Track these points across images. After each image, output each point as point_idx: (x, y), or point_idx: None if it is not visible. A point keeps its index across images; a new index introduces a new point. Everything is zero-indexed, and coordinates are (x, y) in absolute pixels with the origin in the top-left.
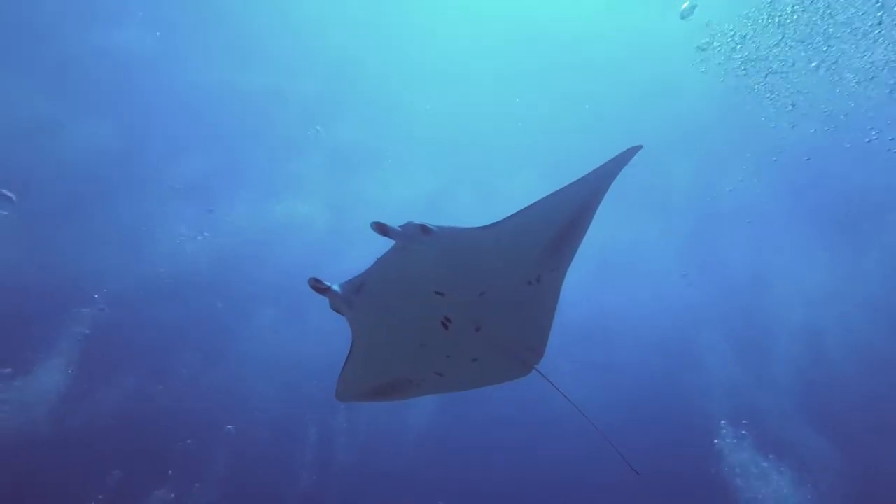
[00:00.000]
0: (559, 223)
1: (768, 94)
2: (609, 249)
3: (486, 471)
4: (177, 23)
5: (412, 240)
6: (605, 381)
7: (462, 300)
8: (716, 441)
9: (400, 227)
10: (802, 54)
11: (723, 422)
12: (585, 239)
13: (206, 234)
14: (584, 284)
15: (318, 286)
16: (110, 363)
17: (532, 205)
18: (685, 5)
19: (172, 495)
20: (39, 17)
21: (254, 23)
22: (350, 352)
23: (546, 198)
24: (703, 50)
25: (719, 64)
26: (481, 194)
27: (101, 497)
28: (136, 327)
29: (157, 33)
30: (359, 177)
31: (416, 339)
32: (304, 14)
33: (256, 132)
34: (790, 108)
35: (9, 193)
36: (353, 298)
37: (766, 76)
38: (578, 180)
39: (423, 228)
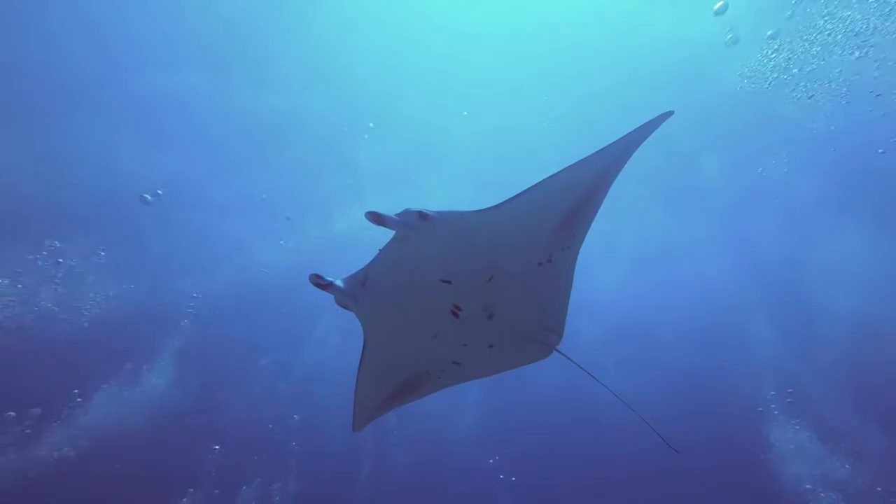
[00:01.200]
0: (571, 200)
1: (805, 83)
2: (646, 243)
3: (542, 463)
4: (229, 59)
5: (411, 228)
6: (651, 377)
7: (470, 287)
8: (765, 428)
9: (397, 215)
10: (840, 37)
11: (774, 410)
12: (621, 235)
13: (282, 242)
14: (623, 281)
15: (319, 282)
16: (202, 373)
17: (541, 182)
18: (718, 4)
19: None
20: (105, 65)
21: (310, 52)
22: (363, 350)
23: (557, 174)
24: (735, 43)
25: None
26: None
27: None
28: (222, 337)
29: (210, 70)
30: (407, 190)
31: (427, 330)
32: (349, 42)
33: (315, 150)
34: (830, 94)
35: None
36: (358, 293)
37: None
38: (596, 152)
39: (421, 215)
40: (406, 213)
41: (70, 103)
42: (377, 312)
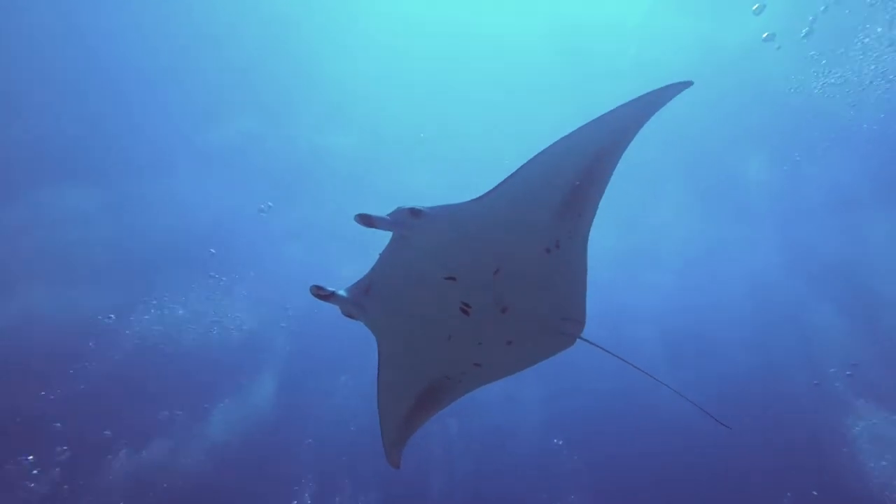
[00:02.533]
0: (570, 178)
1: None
2: (691, 245)
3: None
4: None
5: (405, 227)
6: (712, 377)
7: (476, 282)
8: (835, 419)
9: (389, 215)
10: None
11: (844, 402)
12: (664, 243)
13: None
14: (670, 284)
15: (319, 293)
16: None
17: (531, 160)
18: (756, 6)
19: None
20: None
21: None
22: (379, 362)
23: (549, 148)
24: (772, 39)
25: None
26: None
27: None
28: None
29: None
30: None
31: (440, 331)
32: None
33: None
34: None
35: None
36: (363, 301)
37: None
38: (592, 121)
39: (413, 212)
40: (397, 212)
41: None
42: (385, 319)
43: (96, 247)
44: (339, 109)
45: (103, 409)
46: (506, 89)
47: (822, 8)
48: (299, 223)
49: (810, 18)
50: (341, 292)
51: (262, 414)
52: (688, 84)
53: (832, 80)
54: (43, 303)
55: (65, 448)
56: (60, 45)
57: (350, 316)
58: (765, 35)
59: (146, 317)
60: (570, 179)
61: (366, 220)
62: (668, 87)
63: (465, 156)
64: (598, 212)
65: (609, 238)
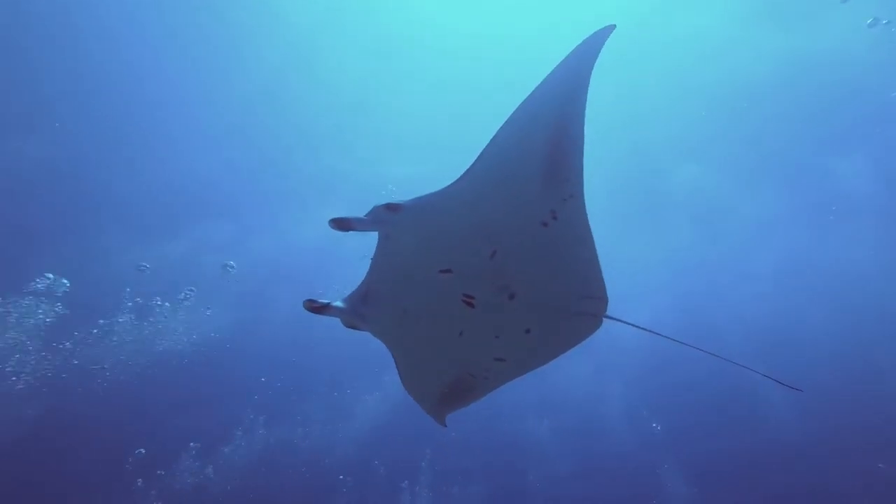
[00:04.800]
0: (542, 139)
1: None
2: (782, 253)
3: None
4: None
5: (385, 224)
6: (811, 380)
7: (473, 270)
8: None
9: (366, 214)
10: None
11: None
12: (756, 249)
13: None
14: (763, 292)
15: (313, 306)
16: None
17: (500, 131)
18: (870, 20)
19: None
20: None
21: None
22: (397, 368)
23: (513, 115)
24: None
25: None
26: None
27: None
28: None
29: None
30: None
31: (449, 329)
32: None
33: None
34: None
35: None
36: (362, 309)
37: None
38: (542, 81)
39: (389, 207)
40: (374, 210)
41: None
42: (388, 325)
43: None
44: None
45: None
46: (611, 107)
47: None
48: None
49: None
50: (337, 303)
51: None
52: (611, 27)
53: None
54: None
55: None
56: None
57: (352, 327)
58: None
59: None
60: (543, 141)
61: (341, 223)
62: (596, 33)
63: None
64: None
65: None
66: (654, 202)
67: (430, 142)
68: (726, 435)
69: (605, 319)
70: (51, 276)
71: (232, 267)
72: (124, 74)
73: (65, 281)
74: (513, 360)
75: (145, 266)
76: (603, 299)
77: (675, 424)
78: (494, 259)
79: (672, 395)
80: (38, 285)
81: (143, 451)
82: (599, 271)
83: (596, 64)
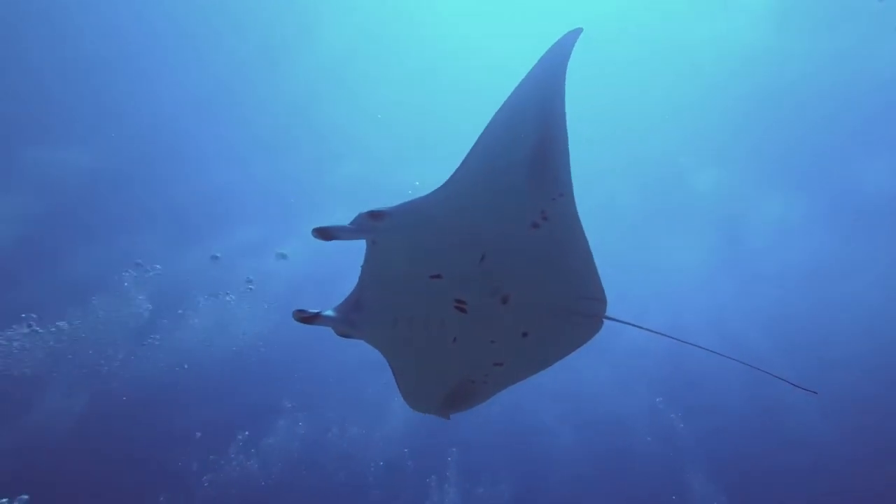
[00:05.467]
0: (529, 138)
1: None
2: (810, 259)
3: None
4: None
5: (370, 232)
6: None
7: (463, 274)
8: None
9: (350, 222)
10: None
11: None
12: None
13: None
14: (788, 297)
15: (302, 317)
16: None
17: (483, 134)
18: None
19: None
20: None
21: None
22: (394, 375)
23: (493, 121)
24: None
25: None
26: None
27: None
28: None
29: None
30: None
31: (443, 335)
32: None
33: None
34: None
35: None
36: (353, 317)
37: None
38: (523, 81)
39: (373, 214)
40: (358, 218)
41: None
42: (381, 332)
43: None
44: None
45: None
46: (628, 112)
47: None
48: None
49: None
50: (328, 312)
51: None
52: (579, 31)
53: None
54: None
55: None
56: None
57: (345, 335)
58: None
59: None
60: (526, 141)
61: (324, 233)
62: (567, 35)
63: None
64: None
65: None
66: (675, 207)
67: (451, 145)
68: (751, 438)
69: (605, 321)
70: (139, 261)
71: (285, 256)
72: (181, 95)
73: (158, 265)
74: (512, 364)
75: (217, 256)
76: (601, 300)
77: (700, 426)
78: (484, 263)
79: (697, 397)
80: (130, 272)
81: (199, 434)
82: (596, 272)
83: (600, 72)
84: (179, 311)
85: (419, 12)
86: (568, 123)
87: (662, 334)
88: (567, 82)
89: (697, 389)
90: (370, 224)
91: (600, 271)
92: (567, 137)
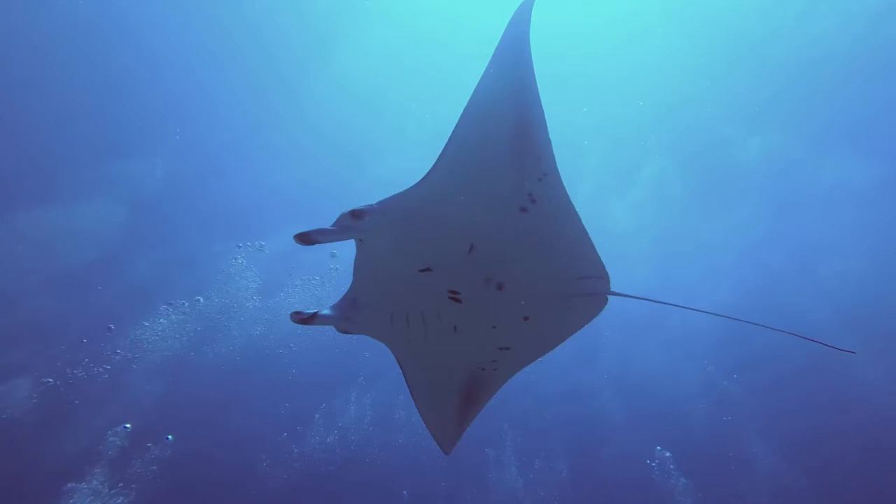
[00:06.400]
0: (506, 122)
1: None
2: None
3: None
4: None
5: (353, 231)
6: None
7: (453, 266)
8: None
9: (333, 224)
10: None
11: None
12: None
13: None
14: (852, 270)
15: (299, 318)
16: None
17: (459, 121)
18: None
19: None
20: None
21: None
22: (402, 369)
23: (468, 108)
24: None
25: None
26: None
27: None
28: None
29: None
30: None
31: (442, 326)
32: None
33: None
34: None
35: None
36: (352, 315)
37: None
38: (489, 64)
39: (354, 213)
40: (339, 218)
41: None
42: (379, 327)
43: None
44: None
45: None
46: (670, 81)
47: None
48: None
49: None
50: (325, 311)
51: None
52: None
53: None
54: None
55: None
56: None
57: (346, 332)
58: None
59: None
60: (504, 125)
61: (303, 238)
62: (521, 6)
63: None
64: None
65: None
66: (722, 177)
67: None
68: (814, 411)
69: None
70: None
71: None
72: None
73: (262, 242)
74: (518, 347)
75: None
76: (603, 277)
77: (759, 401)
78: (473, 253)
79: (753, 372)
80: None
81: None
82: (593, 249)
83: (641, 52)
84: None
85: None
86: (606, 104)
87: (670, 304)
88: (601, 61)
89: (752, 360)
90: (353, 223)
91: (653, 252)
92: (543, 113)
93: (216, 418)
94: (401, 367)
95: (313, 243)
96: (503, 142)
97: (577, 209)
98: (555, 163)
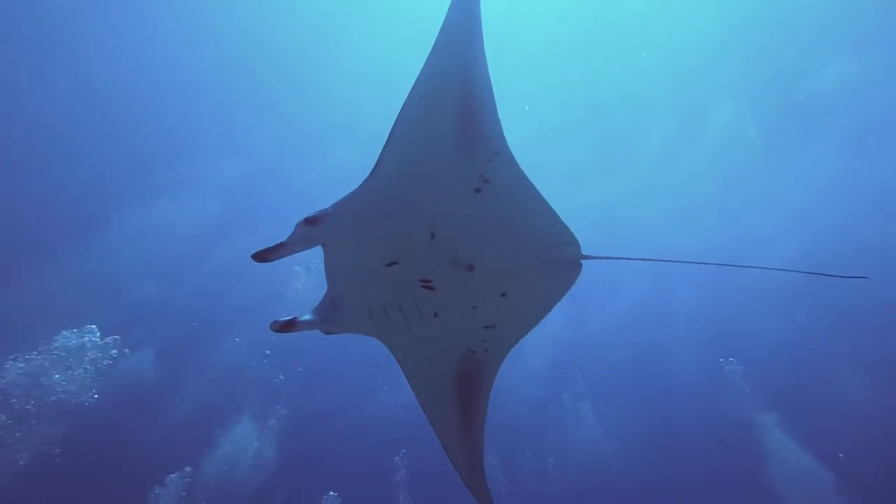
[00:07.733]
0: (450, 104)
1: None
2: None
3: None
4: None
5: (312, 239)
6: None
7: (418, 255)
8: None
9: (290, 236)
10: None
11: None
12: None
13: None
14: None
15: (277, 326)
16: None
17: (401, 110)
18: None
19: None
20: None
21: None
22: (398, 362)
23: (410, 95)
24: None
25: None
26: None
27: None
28: None
29: None
30: None
31: (422, 314)
32: None
33: None
34: None
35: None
36: (333, 317)
37: None
38: (434, 43)
39: (308, 220)
40: (296, 227)
41: None
42: (361, 324)
43: None
44: None
45: None
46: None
47: None
48: None
49: None
50: (305, 317)
51: None
52: None
53: None
54: None
55: None
56: None
57: (331, 333)
58: None
59: None
60: (448, 108)
61: (261, 256)
62: None
63: None
64: None
65: None
66: (798, 111)
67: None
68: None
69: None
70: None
71: None
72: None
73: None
74: (503, 324)
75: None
76: (572, 243)
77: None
78: (436, 240)
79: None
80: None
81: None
82: (556, 217)
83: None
84: None
85: None
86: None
87: (647, 259)
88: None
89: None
90: (310, 231)
91: (726, 205)
92: (492, 94)
93: None
94: (398, 361)
95: (269, 260)
96: (449, 126)
97: (644, 164)
98: (504, 141)
